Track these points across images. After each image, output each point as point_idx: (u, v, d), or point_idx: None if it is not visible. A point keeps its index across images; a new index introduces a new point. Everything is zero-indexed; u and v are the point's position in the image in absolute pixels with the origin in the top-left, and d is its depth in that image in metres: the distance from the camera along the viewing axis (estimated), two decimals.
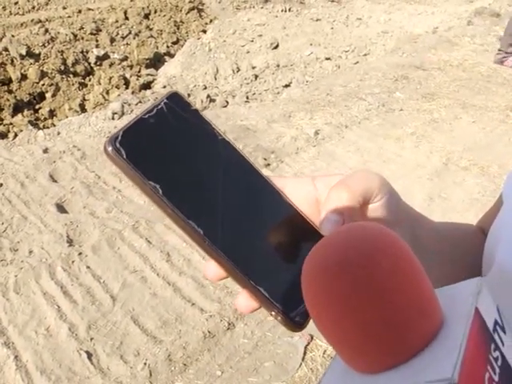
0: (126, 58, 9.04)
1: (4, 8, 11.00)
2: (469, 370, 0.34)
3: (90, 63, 8.75)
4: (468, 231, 0.79)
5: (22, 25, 10.00)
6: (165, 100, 0.51)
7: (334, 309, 0.39)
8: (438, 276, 0.64)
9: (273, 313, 0.49)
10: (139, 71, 8.77)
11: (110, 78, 8.19)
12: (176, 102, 0.52)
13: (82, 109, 7.59)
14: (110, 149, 0.46)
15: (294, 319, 0.49)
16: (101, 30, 9.86)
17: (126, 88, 7.94)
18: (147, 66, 8.93)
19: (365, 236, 0.40)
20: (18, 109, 7.36)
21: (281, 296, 0.49)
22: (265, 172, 0.55)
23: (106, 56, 8.96)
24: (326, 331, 0.41)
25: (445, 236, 0.70)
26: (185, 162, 0.50)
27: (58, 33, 9.30)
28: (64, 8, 11.20)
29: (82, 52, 8.87)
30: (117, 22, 10.32)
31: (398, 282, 0.38)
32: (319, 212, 0.55)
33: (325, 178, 0.58)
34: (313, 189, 0.57)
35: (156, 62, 9.15)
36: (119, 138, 0.46)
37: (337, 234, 0.41)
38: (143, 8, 10.94)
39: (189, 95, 6.89)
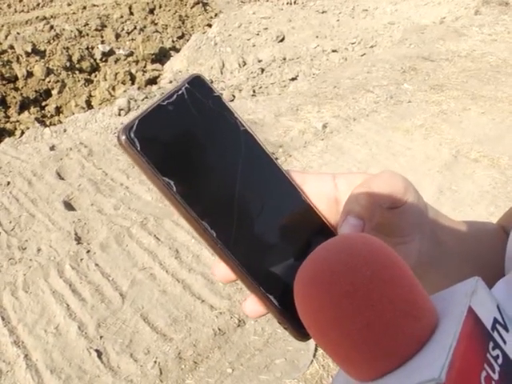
0: (131, 54, 9.03)
1: (9, 6, 11.01)
2: (459, 369, 0.35)
3: (95, 59, 8.75)
4: (489, 230, 0.77)
5: (26, 22, 10.00)
6: (186, 85, 0.48)
7: (320, 321, 0.39)
8: (459, 276, 0.62)
9: (280, 321, 0.48)
10: (145, 66, 8.76)
11: (116, 74, 8.18)
12: (198, 86, 0.48)
13: (89, 105, 7.59)
14: (123, 138, 0.43)
15: (302, 329, 0.46)
16: (106, 26, 9.85)
17: (132, 84, 7.93)
18: (153, 61, 8.92)
19: (348, 247, 0.40)
20: (24, 106, 7.37)
21: (290, 305, 0.45)
22: None
23: (111, 52, 8.95)
24: (319, 342, 0.41)
25: (466, 236, 0.68)
26: (202, 156, 0.47)
27: (63, 29, 9.29)
28: (69, 4, 11.20)
29: (87, 48, 8.86)
30: (122, 17, 10.31)
31: (380, 289, 0.38)
32: (338, 212, 0.53)
33: (347, 177, 0.55)
34: (333, 187, 0.54)
35: (162, 56, 9.14)
36: (134, 127, 0.43)
37: (322, 248, 0.42)
38: (148, 3, 10.92)
39: None
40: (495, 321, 0.40)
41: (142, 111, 0.45)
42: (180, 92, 0.47)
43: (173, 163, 0.45)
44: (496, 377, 0.36)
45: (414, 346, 0.38)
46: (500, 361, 0.38)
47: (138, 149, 0.43)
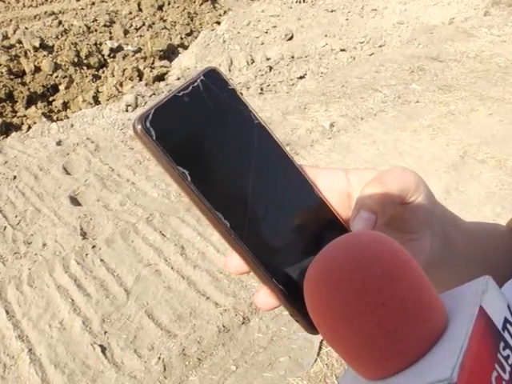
0: (139, 50, 9.03)
1: (17, 0, 11.03)
2: (471, 369, 0.35)
3: (103, 55, 8.76)
4: (498, 231, 0.77)
5: (35, 17, 10.03)
6: (201, 77, 0.48)
7: (330, 319, 0.40)
8: (466, 276, 0.62)
9: (292, 313, 0.48)
10: (153, 63, 8.76)
11: (124, 70, 8.18)
12: (213, 79, 0.49)
13: (96, 101, 7.60)
14: (139, 127, 0.43)
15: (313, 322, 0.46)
16: (114, 22, 9.86)
17: (140, 80, 7.93)
18: (161, 58, 8.92)
19: (357, 245, 0.40)
20: (31, 101, 7.38)
21: (302, 298, 0.46)
22: None
23: (119, 48, 8.96)
24: (328, 340, 0.41)
25: (475, 237, 0.68)
26: (217, 147, 0.47)
27: (72, 25, 9.30)
28: (77, 0, 11.21)
29: (95, 44, 8.87)
30: (130, 13, 10.33)
31: (391, 288, 0.38)
32: (349, 207, 0.53)
33: (359, 173, 0.55)
34: (345, 182, 0.54)
35: (170, 53, 9.14)
36: (150, 116, 0.43)
37: (331, 246, 0.42)
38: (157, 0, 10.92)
39: None
40: (506, 320, 0.40)
41: (158, 101, 0.45)
42: (195, 84, 0.47)
43: (188, 153, 0.45)
44: (507, 377, 0.36)
45: (424, 346, 0.38)
46: (510, 361, 0.38)
47: (154, 138, 0.43)
